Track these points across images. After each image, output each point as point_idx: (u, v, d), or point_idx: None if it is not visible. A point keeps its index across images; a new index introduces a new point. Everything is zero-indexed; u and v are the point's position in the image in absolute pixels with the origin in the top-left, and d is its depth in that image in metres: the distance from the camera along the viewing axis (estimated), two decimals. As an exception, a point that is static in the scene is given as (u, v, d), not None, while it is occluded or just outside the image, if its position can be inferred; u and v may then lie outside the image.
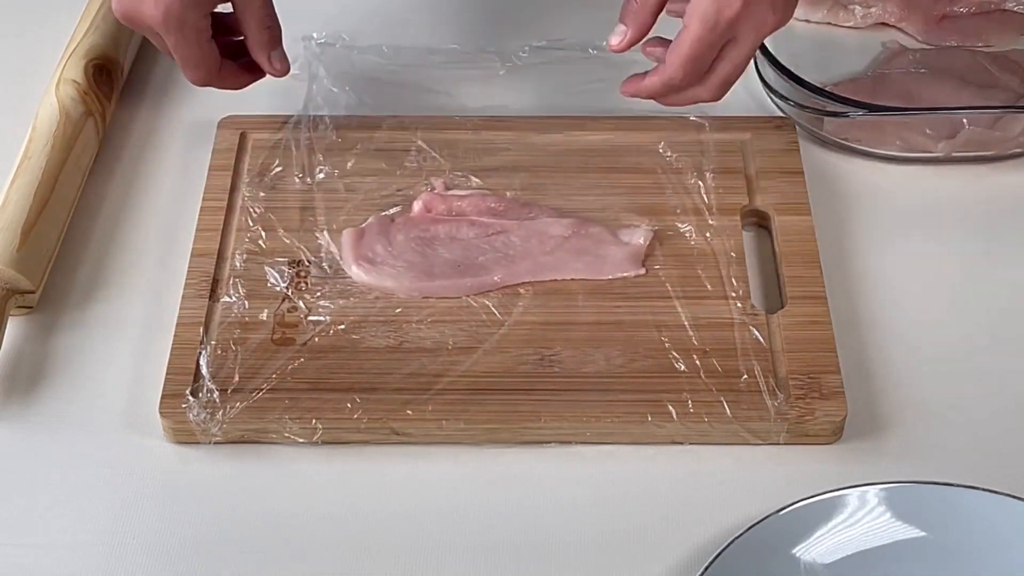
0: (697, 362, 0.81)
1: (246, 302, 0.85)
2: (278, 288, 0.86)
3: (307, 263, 0.88)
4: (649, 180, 0.92)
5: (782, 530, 0.73)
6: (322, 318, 0.84)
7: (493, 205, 0.91)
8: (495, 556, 0.75)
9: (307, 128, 0.95)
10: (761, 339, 0.82)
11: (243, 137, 0.95)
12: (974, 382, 0.83)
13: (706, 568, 0.70)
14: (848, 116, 0.94)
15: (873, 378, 0.83)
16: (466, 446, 0.79)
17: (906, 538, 0.74)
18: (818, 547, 0.73)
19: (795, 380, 0.80)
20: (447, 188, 0.92)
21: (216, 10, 0.88)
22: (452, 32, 1.06)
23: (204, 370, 0.81)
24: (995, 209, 0.94)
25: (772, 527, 0.72)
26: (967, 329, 0.86)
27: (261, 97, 0.99)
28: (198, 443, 0.80)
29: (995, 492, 0.74)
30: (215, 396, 0.80)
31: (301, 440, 0.79)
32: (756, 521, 0.72)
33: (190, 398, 0.79)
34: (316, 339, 0.83)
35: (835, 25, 1.06)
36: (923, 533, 0.74)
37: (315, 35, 1.02)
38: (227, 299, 0.85)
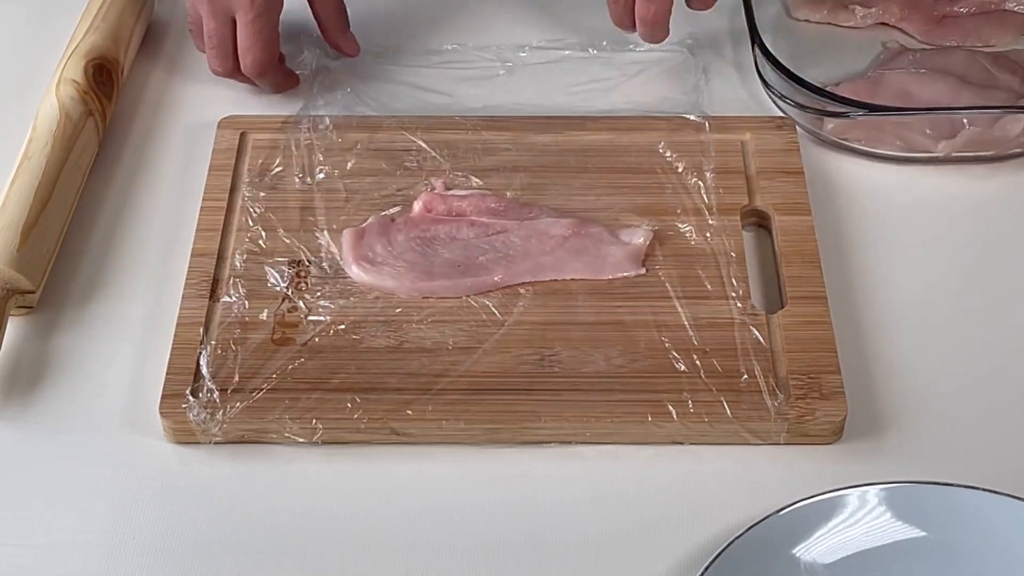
0: (697, 362, 0.81)
1: (246, 302, 0.85)
2: (278, 288, 0.86)
3: (307, 263, 0.88)
4: (649, 180, 0.92)
5: (782, 530, 0.73)
6: (322, 318, 0.84)
7: (493, 205, 0.91)
8: (495, 556, 0.75)
9: (307, 128, 0.95)
10: (761, 339, 0.82)
11: (243, 137, 0.95)
12: (974, 382, 0.83)
13: (706, 568, 0.70)
14: (848, 116, 0.94)
15: (873, 378, 0.83)
16: (466, 446, 0.79)
17: (906, 538, 0.74)
18: (818, 547, 0.73)
19: (795, 380, 0.80)
20: (447, 188, 0.92)
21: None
22: (452, 33, 1.06)
23: (204, 370, 0.81)
24: (995, 209, 0.94)
25: (772, 527, 0.72)
26: (967, 329, 0.86)
27: (261, 97, 1.00)
28: (198, 443, 0.80)
29: (995, 492, 0.74)
30: (215, 396, 0.80)
31: (301, 440, 0.79)
32: (756, 521, 0.72)
33: (190, 398, 0.79)
34: (316, 339, 0.83)
35: (835, 25, 1.06)
36: (923, 533, 0.74)
37: (317, 34, 1.02)
38: (227, 299, 0.85)
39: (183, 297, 0.85)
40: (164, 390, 0.80)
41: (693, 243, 0.88)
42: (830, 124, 0.96)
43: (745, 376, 0.80)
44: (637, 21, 0.96)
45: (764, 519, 0.72)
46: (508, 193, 0.92)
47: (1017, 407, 0.82)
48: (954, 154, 0.95)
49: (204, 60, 1.02)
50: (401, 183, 0.92)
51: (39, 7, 1.10)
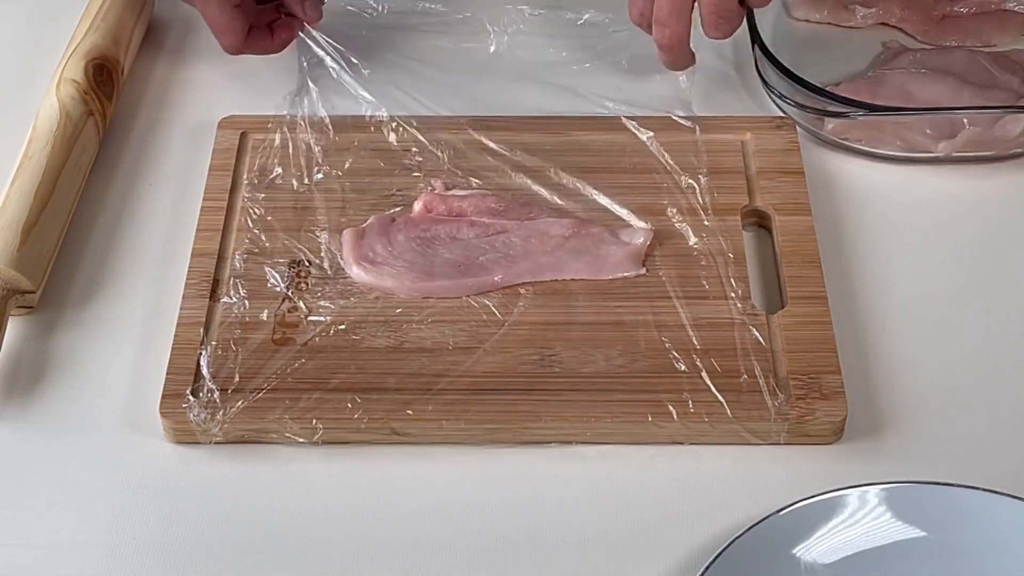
0: (697, 362, 0.81)
1: (246, 302, 0.85)
2: (278, 288, 0.86)
3: (307, 263, 0.88)
4: (649, 180, 0.92)
5: (782, 530, 0.73)
6: (322, 318, 0.84)
7: (493, 205, 0.91)
8: (495, 556, 0.75)
9: (307, 128, 0.95)
10: (761, 339, 0.82)
11: (243, 137, 0.95)
12: (974, 382, 0.83)
13: (706, 568, 0.70)
14: (848, 116, 0.94)
15: (873, 378, 0.83)
16: (466, 446, 0.79)
17: (906, 538, 0.74)
18: (818, 547, 0.73)
19: (795, 380, 0.80)
20: (447, 188, 0.92)
21: None
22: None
23: (204, 370, 0.81)
24: (995, 209, 0.94)
25: (772, 527, 0.72)
26: (967, 329, 0.86)
27: (261, 97, 1.00)
28: (198, 443, 0.80)
29: (995, 492, 0.74)
30: (215, 396, 0.80)
31: (301, 440, 0.79)
32: (756, 521, 0.72)
33: (190, 398, 0.79)
34: (316, 339, 0.83)
35: (835, 25, 1.06)
36: (923, 533, 0.74)
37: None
38: (227, 299, 0.85)
39: (183, 297, 0.85)
40: (164, 390, 0.80)
41: (693, 243, 0.88)
42: (830, 124, 0.96)
43: (745, 376, 0.80)
44: (656, 48, 0.94)
45: (764, 519, 0.72)
46: (508, 193, 0.92)
47: (1017, 407, 0.82)
48: (954, 154, 0.95)
49: (204, 60, 1.03)
50: (401, 183, 0.92)
51: (39, 7, 1.10)
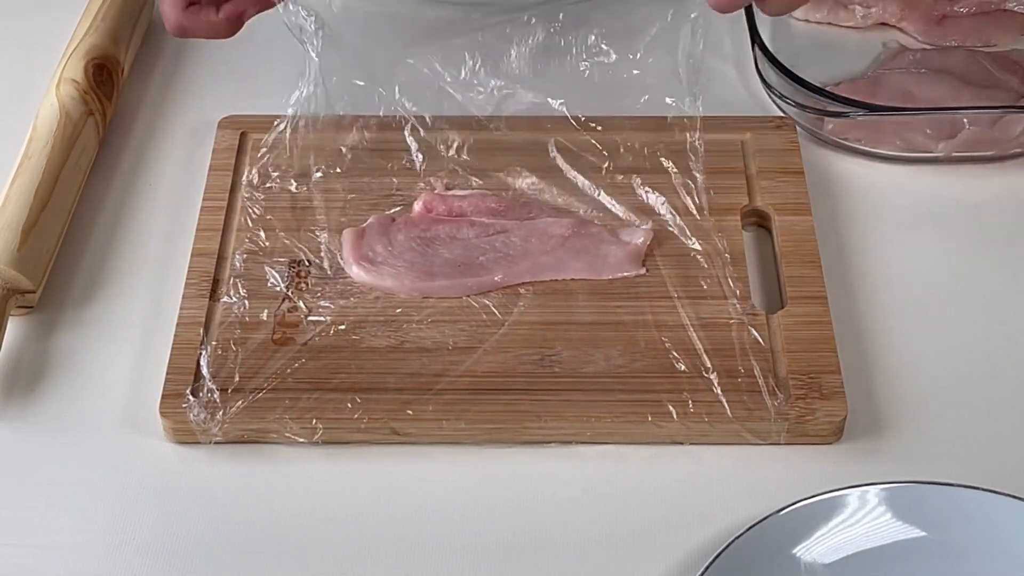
0: (697, 362, 0.81)
1: (246, 302, 0.85)
2: (278, 288, 0.86)
3: (307, 263, 0.88)
4: (649, 180, 0.92)
5: (782, 530, 0.73)
6: (322, 318, 0.84)
7: (493, 205, 0.91)
8: (495, 556, 0.75)
9: (307, 128, 0.95)
10: (761, 339, 0.82)
11: (243, 137, 0.95)
12: (974, 382, 0.83)
13: (706, 568, 0.70)
14: (848, 116, 0.94)
15: (873, 378, 0.83)
16: (466, 446, 0.79)
17: (906, 538, 0.74)
18: (818, 547, 0.73)
19: (795, 380, 0.80)
20: (447, 188, 0.92)
21: None
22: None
23: (204, 370, 0.81)
24: (995, 209, 0.94)
25: (772, 527, 0.72)
26: (968, 329, 0.86)
27: (261, 97, 1.00)
28: (198, 443, 0.80)
29: (995, 492, 0.74)
30: (215, 396, 0.80)
31: (301, 440, 0.79)
32: (756, 521, 0.72)
33: (190, 398, 0.79)
34: (316, 339, 0.83)
35: (835, 25, 1.06)
36: (923, 533, 0.74)
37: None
38: (227, 299, 0.85)
39: (183, 297, 0.85)
40: (164, 390, 0.80)
41: (693, 243, 0.88)
42: (830, 124, 0.96)
43: (745, 376, 0.80)
44: None
45: (764, 519, 0.72)
46: (508, 193, 0.92)
47: (1017, 407, 0.82)
48: (954, 154, 0.95)
49: (204, 60, 1.02)
50: (401, 183, 0.92)
51: (39, 7, 1.10)
